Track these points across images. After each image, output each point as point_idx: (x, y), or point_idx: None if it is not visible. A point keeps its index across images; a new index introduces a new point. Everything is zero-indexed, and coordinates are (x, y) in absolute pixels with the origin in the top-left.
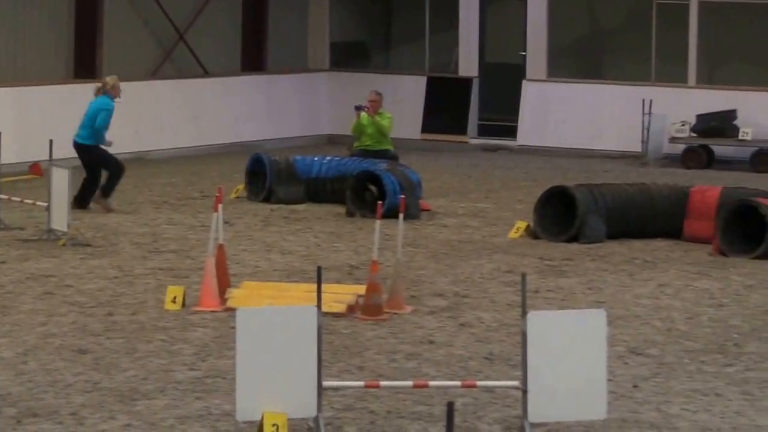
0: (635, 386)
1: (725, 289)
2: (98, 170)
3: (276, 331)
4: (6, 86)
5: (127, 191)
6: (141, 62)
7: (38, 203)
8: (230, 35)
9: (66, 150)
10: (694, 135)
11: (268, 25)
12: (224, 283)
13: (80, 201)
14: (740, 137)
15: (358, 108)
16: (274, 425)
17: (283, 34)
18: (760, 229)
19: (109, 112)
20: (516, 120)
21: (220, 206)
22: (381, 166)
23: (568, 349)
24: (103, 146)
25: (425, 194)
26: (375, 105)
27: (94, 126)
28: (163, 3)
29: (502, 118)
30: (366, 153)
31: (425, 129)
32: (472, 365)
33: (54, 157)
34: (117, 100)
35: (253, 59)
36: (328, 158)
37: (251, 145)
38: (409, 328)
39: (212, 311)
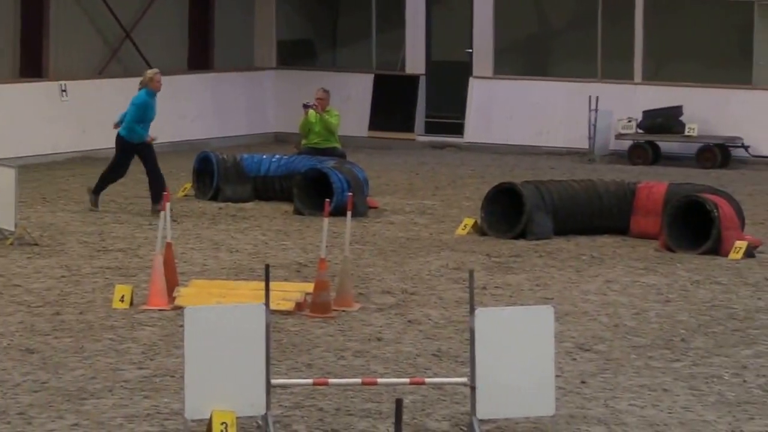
0: (583, 382)
1: (672, 285)
2: (149, 165)
3: (224, 330)
4: None
5: (74, 190)
6: (87, 61)
7: None
8: (177, 33)
9: (12, 149)
10: (641, 131)
11: (215, 24)
12: (172, 281)
13: (154, 197)
14: (686, 133)
15: (306, 106)
16: (222, 423)
17: (230, 32)
18: (707, 225)
19: (138, 107)
20: (463, 117)
21: (167, 205)
22: (328, 163)
23: (516, 346)
24: (139, 142)
25: (373, 192)
26: (322, 103)
27: (128, 120)
28: (109, 1)
29: (449, 115)
30: (313, 151)
31: (372, 126)
32: (420, 362)
33: (0, 156)
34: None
35: (200, 58)
36: (276, 156)
37: (198, 144)
38: (358, 326)
39: (160, 310)
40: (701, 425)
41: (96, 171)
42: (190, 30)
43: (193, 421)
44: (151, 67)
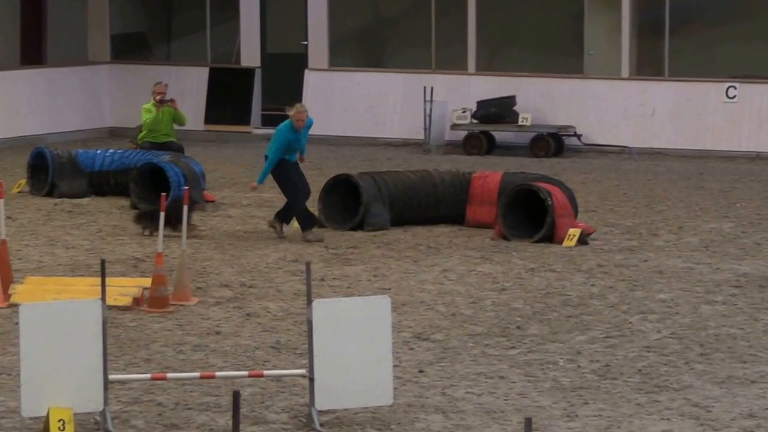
0: (421, 371)
1: (507, 273)
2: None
3: (60, 326)
4: None
5: None
6: None
7: None
8: (8, 28)
9: None
10: (475, 121)
11: (47, 18)
12: (7, 278)
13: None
14: (520, 123)
15: (163, 102)
16: (60, 420)
17: (63, 26)
18: (541, 213)
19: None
20: None
21: (1, 201)
22: (164, 157)
23: (354, 336)
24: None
25: (210, 185)
26: (164, 97)
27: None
28: None
29: (285, 107)
30: (151, 145)
31: (208, 120)
32: (259, 355)
33: None
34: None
35: (33, 52)
36: (111, 151)
37: (33, 140)
38: (196, 320)
39: None
40: (537, 411)
41: None
42: (22, 24)
43: (30, 419)
44: None
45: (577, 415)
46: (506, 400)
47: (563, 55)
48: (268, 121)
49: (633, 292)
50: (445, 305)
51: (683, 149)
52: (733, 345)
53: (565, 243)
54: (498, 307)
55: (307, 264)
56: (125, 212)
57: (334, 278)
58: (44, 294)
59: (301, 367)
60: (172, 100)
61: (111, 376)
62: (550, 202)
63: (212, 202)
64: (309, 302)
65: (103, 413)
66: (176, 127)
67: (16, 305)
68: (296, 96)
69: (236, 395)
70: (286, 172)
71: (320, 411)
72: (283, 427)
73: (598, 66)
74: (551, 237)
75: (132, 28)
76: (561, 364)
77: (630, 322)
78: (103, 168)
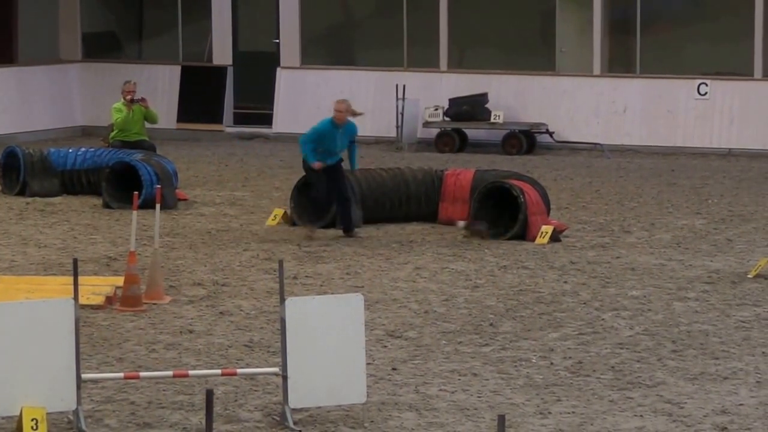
0: (394, 369)
1: (480, 271)
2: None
3: (33, 325)
4: None
5: None
6: None
7: None
8: None
9: None
10: (447, 119)
11: (18, 16)
12: None
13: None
14: (492, 120)
15: (135, 101)
16: (33, 420)
17: (34, 25)
18: (513, 211)
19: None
20: (271, 108)
21: None
22: (136, 156)
23: (327, 334)
24: (312, 165)
25: (182, 184)
26: (134, 95)
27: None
28: None
29: (257, 106)
30: (123, 144)
31: (180, 118)
32: (232, 353)
33: None
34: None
35: (4, 51)
36: (83, 150)
37: (4, 139)
38: (169, 318)
39: None
40: (510, 408)
41: None
42: None
43: (2, 418)
44: None
45: (550, 412)
46: (479, 397)
47: (535, 53)
48: (240, 119)
49: (605, 289)
50: (417, 303)
51: (655, 146)
52: (705, 341)
53: (538, 240)
54: (471, 305)
55: (280, 262)
56: (97, 211)
57: (306, 276)
58: (16, 293)
59: (274, 366)
60: (143, 99)
61: (84, 375)
62: (522, 200)
63: (185, 200)
64: (282, 300)
65: (76, 412)
66: (148, 125)
67: None
68: (268, 94)
69: (209, 394)
70: (314, 175)
71: (294, 409)
72: (257, 426)
73: (570, 63)
74: (524, 234)
75: (103, 27)
76: (534, 361)
77: (602, 319)
78: (75, 167)
